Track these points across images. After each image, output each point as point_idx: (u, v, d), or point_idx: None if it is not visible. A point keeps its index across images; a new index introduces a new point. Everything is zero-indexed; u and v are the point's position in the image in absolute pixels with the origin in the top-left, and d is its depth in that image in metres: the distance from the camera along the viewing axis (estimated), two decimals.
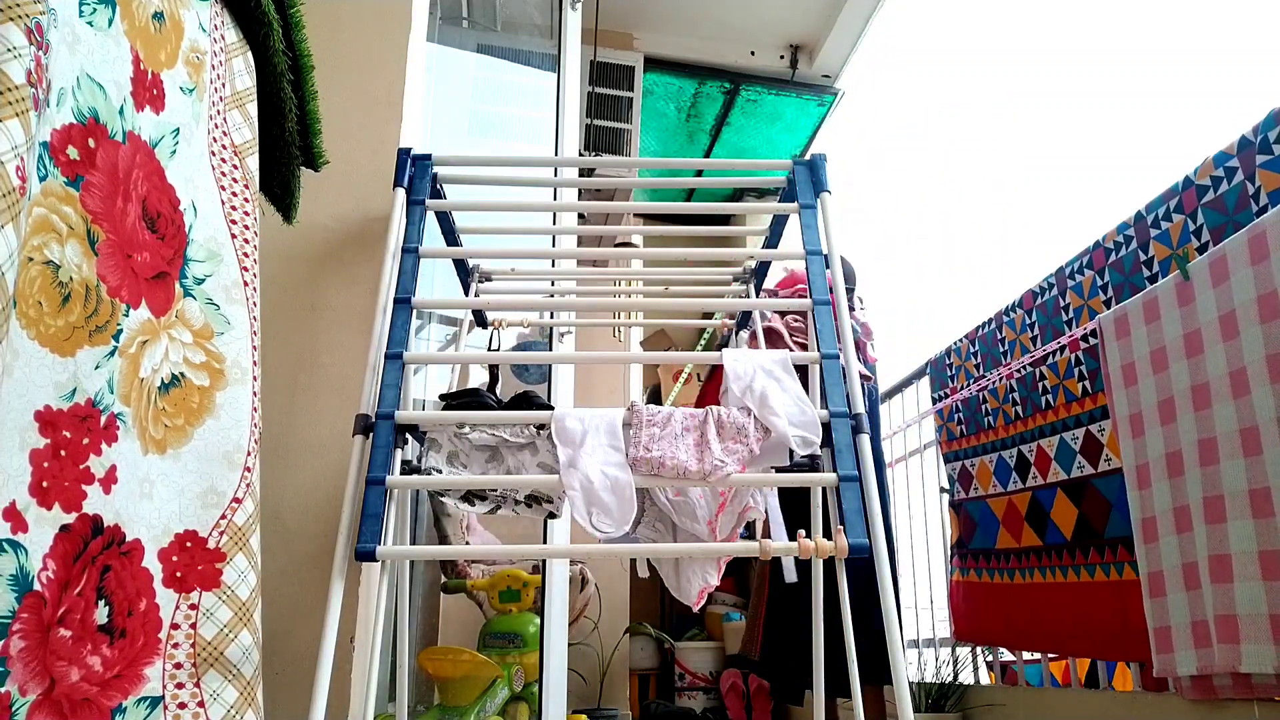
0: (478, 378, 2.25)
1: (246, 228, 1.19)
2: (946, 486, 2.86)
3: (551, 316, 2.09)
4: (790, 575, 1.81)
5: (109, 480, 0.89)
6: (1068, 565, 2.04)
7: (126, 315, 0.94)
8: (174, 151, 1.06)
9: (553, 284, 2.13)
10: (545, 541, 1.93)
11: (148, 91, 1.01)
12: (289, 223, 1.52)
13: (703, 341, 4.59)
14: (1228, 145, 1.67)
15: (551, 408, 1.47)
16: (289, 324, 1.75)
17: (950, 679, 2.81)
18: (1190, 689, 1.55)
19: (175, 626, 0.98)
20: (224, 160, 1.17)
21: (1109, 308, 1.98)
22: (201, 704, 0.98)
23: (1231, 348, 1.43)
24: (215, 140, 1.16)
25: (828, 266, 1.50)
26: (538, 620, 2.00)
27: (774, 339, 2.55)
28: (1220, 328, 1.46)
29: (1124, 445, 1.73)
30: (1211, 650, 1.43)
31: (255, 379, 1.15)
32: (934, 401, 2.96)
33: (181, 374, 1.04)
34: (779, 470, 1.38)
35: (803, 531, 1.26)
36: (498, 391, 1.65)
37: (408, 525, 1.71)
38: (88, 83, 0.88)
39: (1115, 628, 1.86)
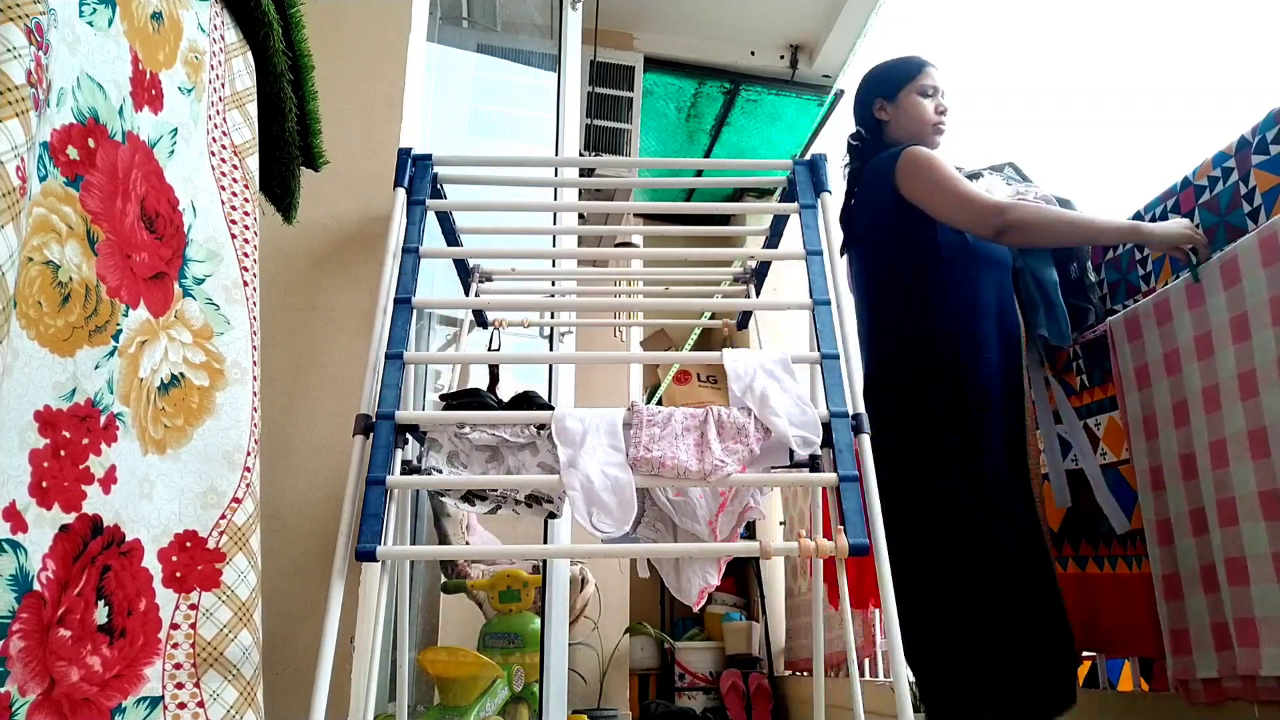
0: (478, 378, 2.25)
1: (246, 228, 1.19)
2: None
3: (552, 316, 2.09)
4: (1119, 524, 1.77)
5: (108, 480, 0.89)
6: (1067, 557, 2.03)
7: (126, 315, 0.94)
8: (172, 151, 1.06)
9: (553, 284, 2.13)
10: (545, 541, 1.93)
11: (146, 91, 1.01)
12: (289, 223, 1.52)
13: (692, 338, 4.59)
14: (1226, 146, 1.67)
15: (552, 408, 1.47)
16: (289, 324, 1.75)
17: None
18: (1202, 692, 1.54)
19: (175, 626, 0.98)
20: (224, 160, 1.17)
21: (1105, 304, 1.98)
22: (201, 704, 0.98)
23: (1242, 350, 1.43)
24: (215, 140, 1.16)
25: (829, 266, 1.51)
26: (538, 620, 2.00)
27: None
28: (1231, 330, 1.45)
29: (1136, 447, 1.72)
30: (1232, 653, 1.42)
31: (255, 379, 1.15)
32: None
33: (181, 374, 1.04)
34: (779, 470, 1.38)
35: (802, 531, 1.26)
36: (498, 391, 1.65)
37: (408, 525, 1.71)
38: (88, 83, 0.88)
39: (1119, 621, 1.86)
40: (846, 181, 2.01)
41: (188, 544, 1.01)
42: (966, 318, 1.76)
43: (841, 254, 1.99)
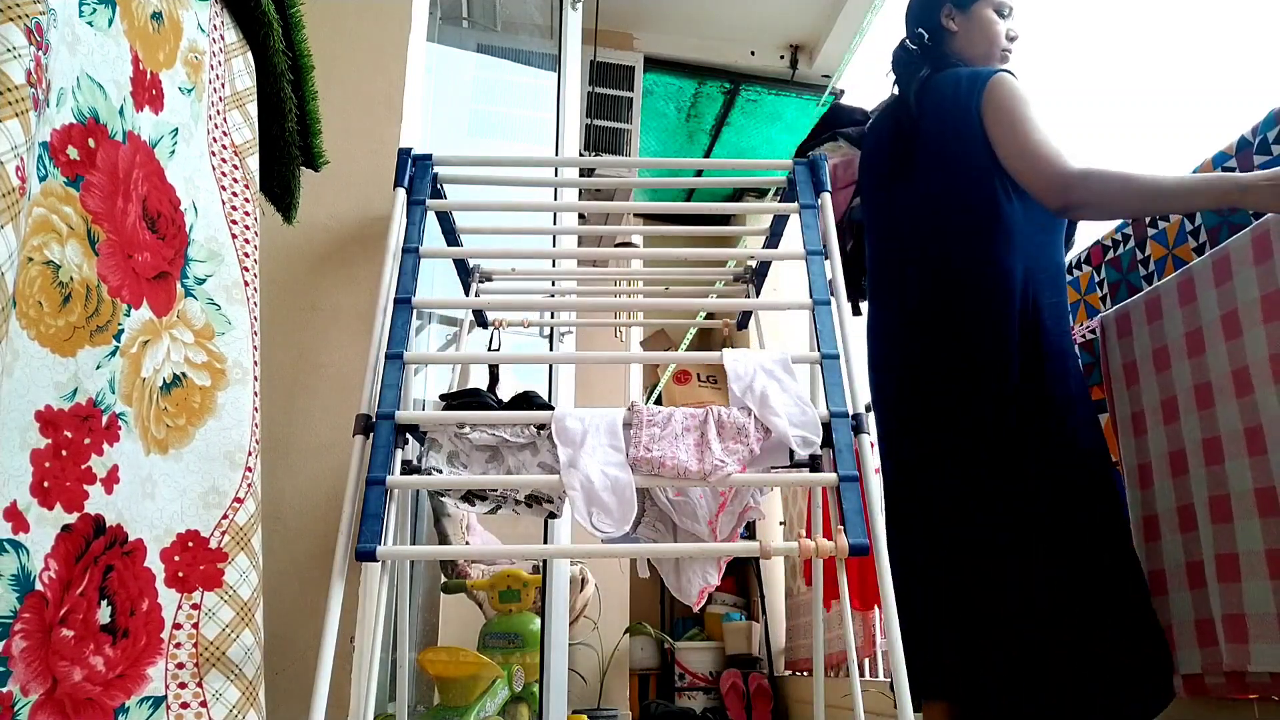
0: (478, 378, 2.25)
1: (247, 228, 1.19)
2: None
3: (552, 316, 2.09)
4: None
5: (111, 480, 0.89)
6: None
7: (128, 315, 0.94)
8: (173, 151, 1.06)
9: (553, 284, 2.13)
10: (545, 541, 1.93)
11: (147, 91, 1.01)
12: (289, 223, 1.52)
13: (688, 338, 4.59)
14: (1227, 145, 1.67)
15: (552, 408, 1.47)
16: (289, 324, 1.75)
17: None
18: (1182, 687, 1.55)
19: (177, 626, 0.98)
20: (224, 160, 1.17)
21: (1105, 304, 1.98)
22: (204, 704, 0.98)
23: (1234, 347, 1.43)
24: (215, 140, 1.16)
25: (830, 266, 1.51)
26: (538, 620, 2.01)
27: None
28: (1222, 327, 1.46)
29: (1124, 444, 1.72)
30: (1218, 649, 1.42)
31: (256, 379, 1.15)
32: None
33: (183, 374, 1.04)
34: (779, 470, 1.38)
35: (802, 531, 1.26)
36: (498, 392, 1.65)
37: (408, 525, 1.71)
38: (88, 83, 0.88)
39: None
40: (910, 93, 1.67)
41: (190, 544, 1.01)
42: (1056, 289, 1.55)
43: (886, 181, 1.72)
